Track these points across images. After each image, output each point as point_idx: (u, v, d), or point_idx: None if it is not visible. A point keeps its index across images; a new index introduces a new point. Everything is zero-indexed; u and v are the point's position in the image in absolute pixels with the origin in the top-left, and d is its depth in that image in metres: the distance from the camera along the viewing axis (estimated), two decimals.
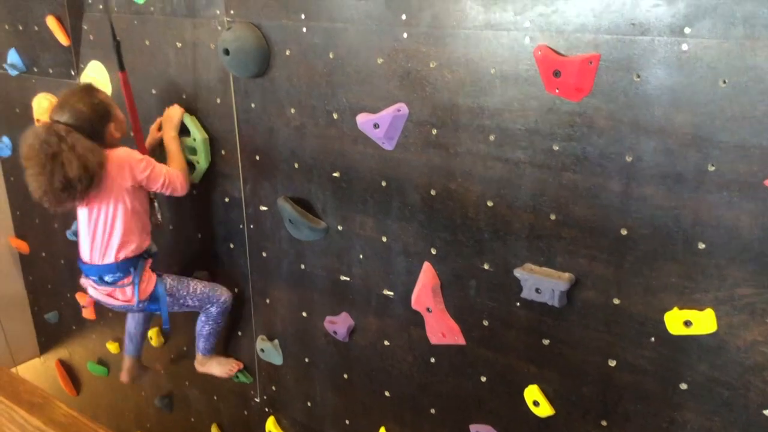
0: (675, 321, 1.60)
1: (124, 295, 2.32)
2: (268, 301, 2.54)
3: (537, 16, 1.60)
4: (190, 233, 2.70)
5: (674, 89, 1.47)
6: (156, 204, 2.43)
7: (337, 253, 2.24)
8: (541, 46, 1.61)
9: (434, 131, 1.87)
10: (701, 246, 1.53)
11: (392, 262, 2.11)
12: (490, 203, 1.83)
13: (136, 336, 2.79)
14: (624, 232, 1.63)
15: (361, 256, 2.18)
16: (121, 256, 2.27)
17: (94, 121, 2.17)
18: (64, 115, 2.15)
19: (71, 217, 3.19)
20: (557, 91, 1.62)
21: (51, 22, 2.73)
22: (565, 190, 1.70)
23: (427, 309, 2.04)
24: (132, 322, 2.76)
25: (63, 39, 2.75)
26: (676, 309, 1.60)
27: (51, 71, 2.92)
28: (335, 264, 2.27)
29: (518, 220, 1.80)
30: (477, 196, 1.85)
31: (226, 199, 2.50)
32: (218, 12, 2.22)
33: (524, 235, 1.80)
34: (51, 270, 3.49)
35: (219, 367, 2.67)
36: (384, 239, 2.10)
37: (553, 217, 1.74)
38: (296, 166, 2.24)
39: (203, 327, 2.52)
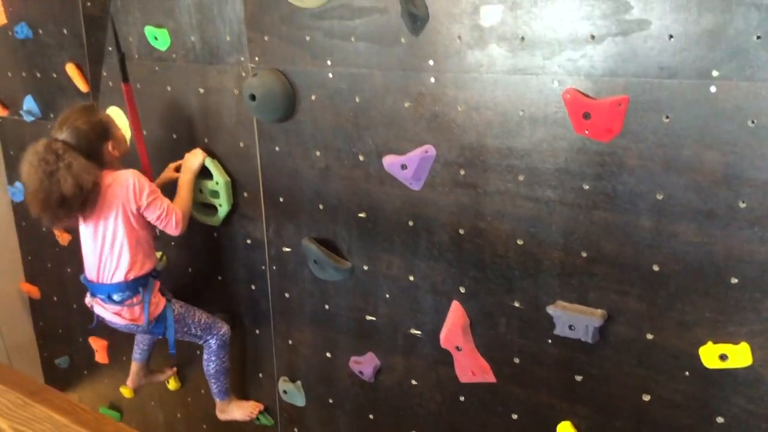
0: (710, 355, 1.63)
1: (131, 314, 2.34)
2: (290, 342, 2.55)
3: (565, 60, 1.66)
4: (210, 275, 2.71)
5: (703, 129, 1.53)
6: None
7: (363, 292, 2.26)
8: (569, 89, 1.66)
9: (462, 171, 1.91)
10: (734, 281, 1.57)
11: (419, 301, 2.13)
12: (520, 241, 1.87)
13: (143, 342, 2.75)
14: (656, 268, 1.67)
15: (387, 296, 2.21)
16: (131, 276, 2.30)
17: (91, 139, 2.23)
18: (63, 132, 2.22)
19: None
20: (587, 132, 1.67)
21: (71, 69, 2.77)
22: (596, 228, 1.73)
23: (457, 347, 2.06)
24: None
25: (82, 85, 2.78)
26: (710, 343, 1.63)
27: None
28: (361, 304, 2.28)
29: (549, 258, 1.83)
30: (507, 234, 1.89)
31: (248, 241, 2.52)
32: (242, 59, 2.27)
33: (555, 273, 1.83)
34: (63, 315, 3.47)
35: (240, 411, 2.66)
36: (411, 278, 2.13)
37: (584, 254, 1.77)
38: (321, 207, 2.27)
39: (208, 365, 2.53)
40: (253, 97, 2.19)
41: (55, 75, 2.89)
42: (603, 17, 1.58)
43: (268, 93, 2.18)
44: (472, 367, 2.06)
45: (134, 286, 2.31)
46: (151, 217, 2.29)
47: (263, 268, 2.52)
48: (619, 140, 1.64)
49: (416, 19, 1.86)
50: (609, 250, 1.73)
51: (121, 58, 2.30)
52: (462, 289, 2.02)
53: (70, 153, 2.16)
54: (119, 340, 3.24)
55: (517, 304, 1.93)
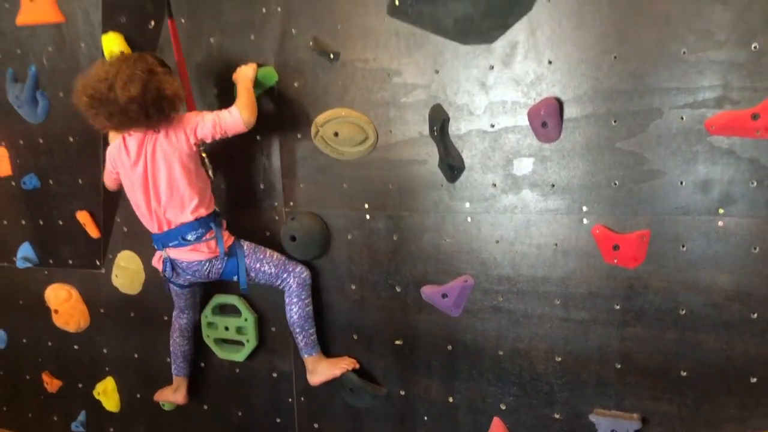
0: None
1: (209, 247, 2.33)
2: None
3: (593, 202, 1.99)
4: (228, 411, 2.74)
5: (715, 256, 1.88)
6: (206, 160, 2.41)
7: (400, 417, 2.40)
8: (598, 225, 1.99)
9: (500, 298, 2.17)
10: (753, 380, 1.88)
11: (459, 421, 2.30)
12: (558, 358, 2.12)
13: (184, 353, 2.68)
14: (684, 373, 1.96)
15: (425, 418, 2.36)
16: (200, 212, 2.30)
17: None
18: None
19: (75, 411, 3.12)
20: (616, 260, 1.99)
21: (83, 216, 2.85)
22: (628, 342, 2.02)
23: None
24: (177, 338, 2.65)
25: (93, 232, 2.86)
26: None
27: (71, 262, 2.99)
28: (398, 428, 2.42)
29: (586, 371, 2.09)
30: (545, 352, 2.13)
31: (274, 374, 2.62)
32: (276, 204, 2.48)
33: (592, 384, 2.08)
34: None
35: (331, 368, 2.45)
36: (450, 399, 2.30)
37: (618, 365, 2.04)
38: (355, 337, 2.43)
39: (290, 310, 2.40)
40: (293, 239, 2.38)
41: (61, 222, 2.95)
42: (623, 168, 1.94)
43: (307, 234, 2.38)
44: None
45: (205, 223, 2.32)
46: (207, 131, 2.22)
47: (290, 400, 2.61)
48: (644, 267, 1.96)
49: (454, 169, 2.16)
50: (640, 360, 2.01)
51: None
52: (503, 406, 2.22)
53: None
54: None
55: (557, 416, 2.15)
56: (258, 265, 2.40)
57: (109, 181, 2.52)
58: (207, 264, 2.36)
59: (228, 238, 2.40)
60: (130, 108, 2.12)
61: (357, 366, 2.46)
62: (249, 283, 2.41)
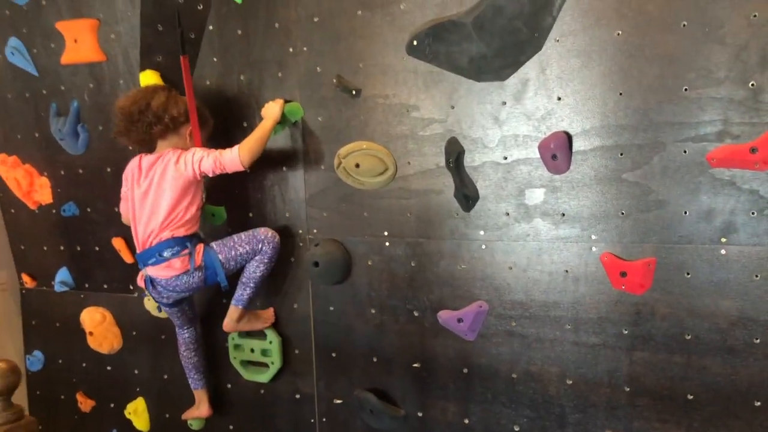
0: None
1: (182, 263, 2.44)
2: None
3: (601, 231, 2.09)
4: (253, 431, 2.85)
5: (718, 283, 1.96)
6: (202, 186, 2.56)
7: None
8: (606, 253, 2.08)
9: (513, 323, 2.26)
10: (757, 403, 1.94)
11: None
12: (569, 381, 2.19)
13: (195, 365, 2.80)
14: (690, 396, 2.03)
15: None
16: (179, 233, 2.43)
17: (185, 111, 2.48)
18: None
19: (106, 430, 3.24)
20: (623, 287, 2.07)
21: (118, 242, 3.01)
22: (636, 366, 2.09)
23: None
24: (184, 351, 2.78)
25: (128, 258, 3.01)
26: None
27: (105, 286, 3.14)
28: None
29: (596, 394, 2.16)
30: (557, 376, 2.21)
31: (297, 396, 2.72)
32: (300, 231, 2.61)
33: (602, 407, 2.16)
34: None
35: (258, 321, 2.68)
36: (466, 421, 2.39)
37: (627, 389, 2.11)
38: (375, 360, 2.53)
39: (257, 269, 2.52)
40: (316, 264, 2.51)
41: (97, 248, 3.11)
42: (630, 198, 2.04)
43: (329, 260, 2.50)
44: None
45: (182, 242, 2.44)
46: (209, 166, 2.38)
47: (312, 421, 2.70)
48: (651, 293, 2.05)
49: (468, 199, 2.27)
50: (649, 384, 2.08)
51: (181, 31, 2.51)
52: (516, 428, 2.30)
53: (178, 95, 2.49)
54: None
55: None
56: (233, 253, 2.51)
57: (123, 207, 2.63)
58: (184, 276, 2.47)
59: (199, 250, 2.49)
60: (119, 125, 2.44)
61: (273, 320, 2.71)
62: (233, 272, 2.53)
